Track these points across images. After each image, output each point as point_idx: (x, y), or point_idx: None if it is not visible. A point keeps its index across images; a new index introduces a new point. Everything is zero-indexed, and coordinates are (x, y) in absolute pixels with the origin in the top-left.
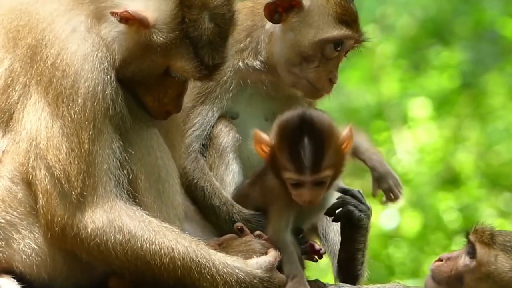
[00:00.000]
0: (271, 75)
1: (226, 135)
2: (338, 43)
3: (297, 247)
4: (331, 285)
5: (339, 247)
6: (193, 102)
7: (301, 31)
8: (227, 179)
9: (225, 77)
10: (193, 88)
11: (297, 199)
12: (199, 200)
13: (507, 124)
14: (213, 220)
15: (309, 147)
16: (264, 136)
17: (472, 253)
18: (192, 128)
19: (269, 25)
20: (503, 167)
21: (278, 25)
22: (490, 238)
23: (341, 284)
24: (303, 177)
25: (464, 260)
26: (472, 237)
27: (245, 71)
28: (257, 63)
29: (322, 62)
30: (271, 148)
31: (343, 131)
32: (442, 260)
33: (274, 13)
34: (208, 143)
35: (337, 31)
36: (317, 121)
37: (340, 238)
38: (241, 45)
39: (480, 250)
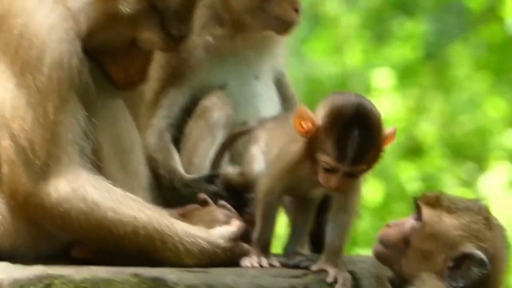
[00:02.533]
0: (241, 32)
1: (219, 110)
2: None
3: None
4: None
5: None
6: (162, 85)
7: None
8: (211, 153)
9: (194, 59)
10: (164, 71)
11: (322, 182)
12: (152, 171)
13: (470, 94)
14: (163, 190)
15: (357, 139)
16: (311, 114)
17: (418, 214)
18: (161, 109)
19: None
20: (466, 137)
21: None
22: (435, 200)
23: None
24: (341, 166)
25: (411, 222)
26: (419, 201)
27: (215, 43)
28: (224, 31)
29: None
30: (316, 128)
31: (387, 130)
32: (390, 227)
33: None
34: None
35: None
36: (371, 115)
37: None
38: (203, 19)
39: (425, 211)
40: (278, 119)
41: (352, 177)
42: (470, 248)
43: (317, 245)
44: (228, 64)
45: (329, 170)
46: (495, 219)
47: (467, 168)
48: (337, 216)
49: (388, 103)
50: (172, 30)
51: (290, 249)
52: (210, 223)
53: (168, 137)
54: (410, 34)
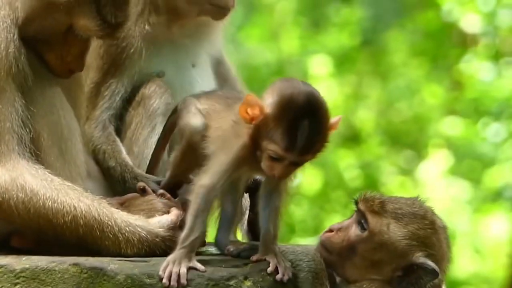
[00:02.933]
0: (177, 19)
1: (158, 97)
2: None
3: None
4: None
5: (248, 208)
6: (103, 75)
7: None
8: (150, 141)
9: (133, 49)
10: (103, 61)
11: (266, 170)
12: (100, 163)
13: (407, 81)
14: (110, 182)
15: (308, 129)
16: (259, 101)
17: (363, 223)
18: (102, 100)
19: None
20: (404, 125)
21: None
22: (380, 207)
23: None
24: (288, 155)
25: (356, 230)
26: (362, 206)
27: (152, 30)
28: (160, 18)
29: None
30: (264, 116)
31: (334, 118)
32: (332, 231)
33: None
34: (135, 104)
35: None
36: (321, 105)
37: (248, 200)
38: (139, 7)
39: (371, 219)
40: (227, 97)
41: (296, 166)
42: (420, 257)
43: (254, 232)
44: (165, 52)
45: (275, 159)
46: (439, 219)
47: (406, 155)
48: (269, 201)
49: (325, 90)
50: (108, 17)
51: (220, 238)
52: (149, 212)
53: (112, 128)
54: (347, 21)
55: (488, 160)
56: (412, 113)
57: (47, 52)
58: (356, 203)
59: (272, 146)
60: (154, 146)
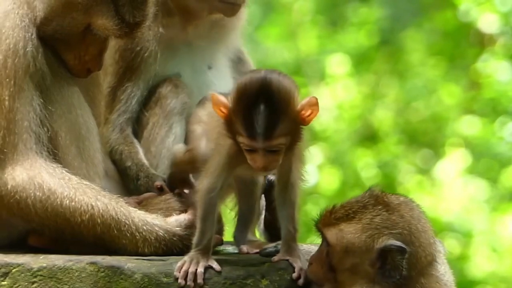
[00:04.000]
0: (190, 19)
1: (175, 97)
2: None
3: (217, 212)
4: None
5: (264, 208)
6: (119, 80)
7: None
8: (168, 140)
9: (147, 52)
10: (118, 65)
11: (250, 164)
12: (117, 164)
13: (425, 80)
14: (125, 182)
15: (263, 114)
16: (222, 98)
17: (325, 240)
18: (119, 104)
19: None
20: (421, 124)
21: None
22: (332, 217)
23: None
24: (255, 143)
25: (325, 251)
26: (319, 225)
27: (166, 33)
28: (173, 20)
29: None
30: (228, 111)
31: (304, 99)
32: (312, 263)
33: None
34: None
35: None
36: (276, 87)
37: (264, 200)
38: (152, 10)
39: (327, 233)
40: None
41: (275, 153)
42: (383, 241)
43: (271, 232)
44: (180, 55)
45: (250, 150)
46: (396, 197)
47: (423, 155)
48: (284, 198)
49: (343, 90)
50: (127, 16)
51: (238, 236)
52: (167, 211)
53: (129, 130)
54: (365, 20)
55: (505, 159)
56: (430, 113)
57: (65, 52)
58: (315, 225)
59: (240, 138)
60: (171, 146)
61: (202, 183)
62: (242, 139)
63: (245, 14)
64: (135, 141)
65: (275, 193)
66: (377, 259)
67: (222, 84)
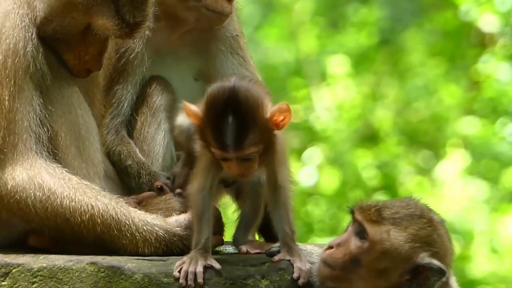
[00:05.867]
0: (176, 25)
1: (160, 94)
2: None
3: (211, 210)
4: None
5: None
6: (108, 82)
7: None
8: (158, 137)
9: (133, 53)
10: (108, 69)
11: (227, 171)
12: (116, 164)
13: (425, 81)
14: (126, 180)
15: (232, 125)
16: (193, 108)
17: (362, 233)
18: (111, 108)
19: None
20: (422, 124)
21: None
22: (377, 215)
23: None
24: (227, 154)
25: (356, 242)
26: (358, 217)
27: (153, 37)
28: (160, 24)
29: None
30: (199, 121)
31: (274, 107)
32: (332, 247)
33: None
34: (139, 104)
35: None
36: (243, 97)
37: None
38: (153, 10)
39: (370, 229)
40: None
41: (249, 161)
42: (425, 257)
43: (266, 233)
44: (168, 63)
45: (224, 159)
46: (436, 215)
47: (423, 155)
48: (276, 200)
49: (344, 90)
50: (127, 16)
51: (238, 237)
52: (167, 211)
53: (124, 132)
54: (365, 21)
55: (506, 159)
56: (430, 113)
57: (65, 52)
58: (352, 213)
59: (212, 148)
60: (162, 142)
61: (192, 185)
62: (214, 150)
63: (236, 24)
64: (132, 141)
65: (267, 197)
66: (410, 272)
67: None
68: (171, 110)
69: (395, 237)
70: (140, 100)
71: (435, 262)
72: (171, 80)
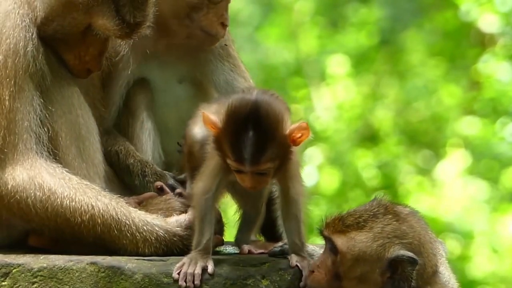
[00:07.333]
0: (165, 36)
1: (137, 94)
2: None
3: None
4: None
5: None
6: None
7: None
8: (143, 136)
9: (118, 56)
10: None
11: (240, 182)
12: (115, 164)
13: (425, 81)
14: (128, 179)
15: (251, 140)
16: (213, 117)
17: (333, 248)
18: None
19: None
20: (422, 124)
21: None
22: (341, 224)
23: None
24: (243, 167)
25: (331, 258)
26: (326, 233)
27: (140, 41)
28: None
29: (210, 8)
30: (218, 131)
31: (294, 124)
32: (314, 271)
33: None
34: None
35: None
36: (265, 112)
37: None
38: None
39: (338, 241)
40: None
41: (263, 176)
42: (394, 251)
43: (269, 233)
44: (151, 67)
45: (239, 171)
46: (405, 208)
47: (423, 155)
48: (287, 210)
49: (344, 90)
50: (127, 17)
51: (240, 237)
52: (167, 212)
53: (115, 132)
54: (365, 21)
55: (506, 159)
56: (430, 113)
57: (65, 52)
58: (321, 232)
59: (228, 160)
60: (148, 141)
61: (197, 185)
62: (230, 161)
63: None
64: (124, 139)
65: (279, 208)
66: (387, 269)
67: (194, 99)
68: (151, 109)
69: (361, 240)
70: (123, 102)
71: (403, 252)
72: (155, 82)
